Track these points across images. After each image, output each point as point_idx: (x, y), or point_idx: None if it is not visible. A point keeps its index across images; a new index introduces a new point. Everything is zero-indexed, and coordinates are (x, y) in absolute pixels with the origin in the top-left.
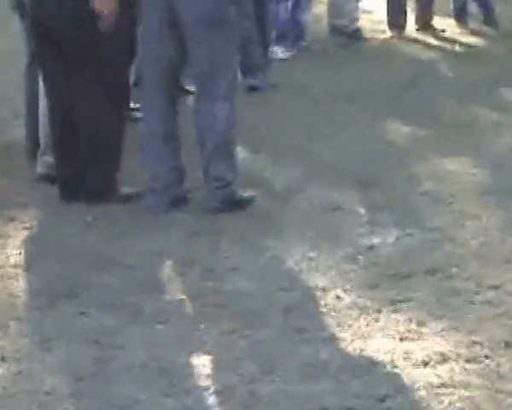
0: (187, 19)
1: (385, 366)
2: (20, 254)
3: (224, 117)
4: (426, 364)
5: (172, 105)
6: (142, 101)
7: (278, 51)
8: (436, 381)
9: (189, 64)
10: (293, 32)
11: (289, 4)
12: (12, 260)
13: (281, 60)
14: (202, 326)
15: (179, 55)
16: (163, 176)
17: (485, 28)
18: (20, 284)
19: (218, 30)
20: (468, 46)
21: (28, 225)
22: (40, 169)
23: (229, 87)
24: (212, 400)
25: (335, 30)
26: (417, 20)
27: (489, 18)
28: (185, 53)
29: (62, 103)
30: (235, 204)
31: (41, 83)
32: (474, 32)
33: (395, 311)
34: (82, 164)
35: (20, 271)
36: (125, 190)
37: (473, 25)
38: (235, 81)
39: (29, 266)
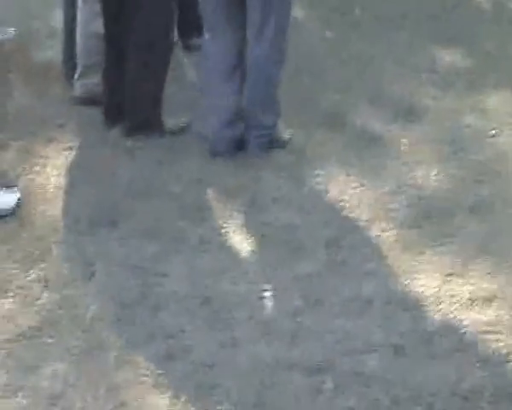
0: None
1: (430, 304)
2: (60, 175)
3: (273, 60)
4: (472, 303)
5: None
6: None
7: None
8: (483, 321)
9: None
10: None
11: None
12: (52, 182)
13: None
14: (245, 256)
15: None
16: (223, 112)
17: None
18: (61, 208)
19: None
20: None
21: (68, 146)
22: (79, 91)
23: (279, 31)
24: (257, 331)
25: None
26: None
27: None
28: None
29: (116, 32)
30: (278, 145)
31: (80, 5)
32: None
33: (439, 248)
34: (128, 93)
35: (60, 193)
36: (170, 122)
37: None
38: (285, 26)
39: (70, 189)
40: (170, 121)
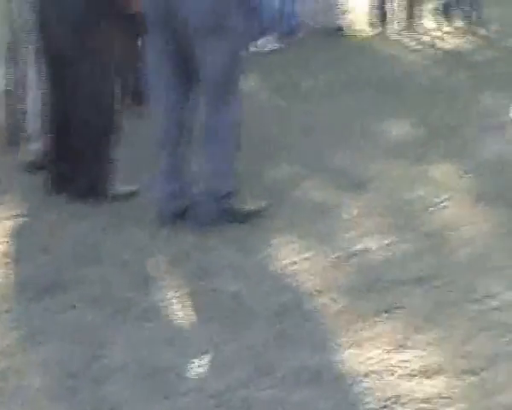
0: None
1: (380, 375)
2: (5, 243)
3: (228, 125)
4: (421, 374)
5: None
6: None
7: (267, 42)
8: (433, 392)
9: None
10: (285, 25)
11: None
12: None
13: (269, 51)
14: (192, 325)
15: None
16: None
17: (470, 29)
18: (7, 275)
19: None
20: (451, 48)
21: (14, 213)
22: (25, 156)
23: (234, 95)
24: (206, 403)
25: (311, 26)
26: (400, 21)
27: (474, 19)
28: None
29: (61, 98)
30: (235, 216)
31: (30, 73)
32: (457, 34)
33: (388, 318)
34: (76, 161)
35: (7, 260)
36: (118, 188)
37: (457, 26)
38: (238, 90)
39: (16, 255)
40: (118, 187)
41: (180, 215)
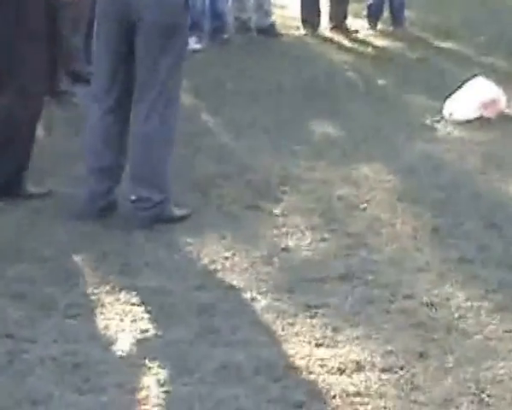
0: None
1: (301, 372)
2: None
3: (167, 130)
4: (341, 371)
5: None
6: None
7: (191, 42)
8: (351, 389)
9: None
10: (212, 24)
11: None
12: None
13: (194, 51)
14: (115, 323)
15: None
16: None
17: (393, 30)
18: None
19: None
20: (379, 48)
21: None
22: None
23: (176, 100)
24: (126, 398)
25: (243, 24)
26: (331, 20)
27: (396, 20)
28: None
29: None
30: (166, 221)
31: None
32: (384, 35)
33: (311, 316)
34: None
35: None
36: (32, 188)
37: (382, 27)
38: (179, 95)
39: None
40: (32, 187)
41: (105, 213)
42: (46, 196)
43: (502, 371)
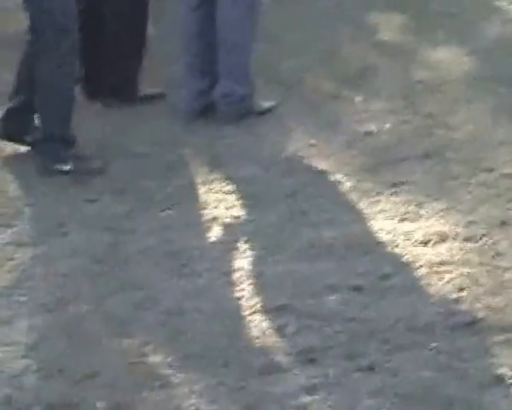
0: None
1: (387, 246)
2: None
3: (241, 25)
4: (425, 243)
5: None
6: None
7: None
8: (436, 259)
9: None
10: None
11: None
12: None
13: None
14: (209, 211)
15: None
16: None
17: None
18: (30, 167)
19: None
20: None
21: None
22: None
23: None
24: (222, 280)
25: None
26: None
27: None
28: None
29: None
30: (252, 115)
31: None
32: None
33: (394, 193)
34: (105, 63)
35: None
36: (148, 90)
37: None
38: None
39: None
40: (146, 89)
41: (203, 112)
42: (160, 98)
43: None
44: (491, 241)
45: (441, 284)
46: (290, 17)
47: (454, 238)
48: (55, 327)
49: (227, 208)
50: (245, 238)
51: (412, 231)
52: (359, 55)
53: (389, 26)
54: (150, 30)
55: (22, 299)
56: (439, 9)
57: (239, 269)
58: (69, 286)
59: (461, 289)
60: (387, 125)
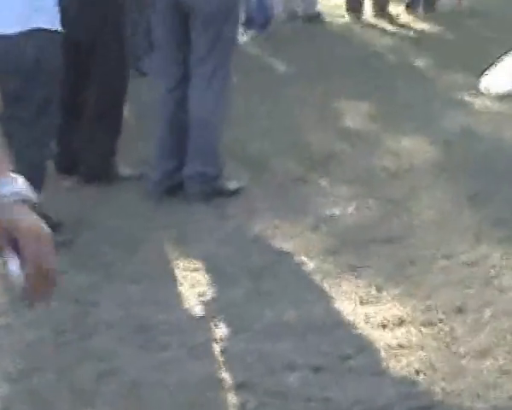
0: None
1: (347, 327)
2: None
3: (214, 105)
4: (384, 326)
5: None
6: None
7: (245, 35)
8: (394, 342)
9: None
10: (260, 17)
11: None
12: None
13: (246, 42)
14: (175, 287)
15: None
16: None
17: (428, 15)
18: None
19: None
20: (419, 31)
21: None
22: None
23: (223, 80)
24: (187, 355)
25: (291, 13)
26: (374, 6)
27: (429, 6)
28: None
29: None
30: (221, 194)
31: None
32: (425, 19)
33: (355, 276)
34: (82, 142)
35: None
36: (124, 171)
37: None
38: (228, 77)
39: None
40: (125, 170)
41: (173, 190)
42: (139, 179)
43: None
44: (447, 327)
45: (399, 367)
46: (260, 103)
47: (412, 323)
48: (19, 397)
49: (192, 285)
50: (210, 315)
51: (372, 313)
52: (325, 141)
53: (355, 114)
54: (126, 110)
55: None
56: (403, 99)
57: (203, 345)
58: (33, 356)
59: (418, 373)
60: (351, 210)
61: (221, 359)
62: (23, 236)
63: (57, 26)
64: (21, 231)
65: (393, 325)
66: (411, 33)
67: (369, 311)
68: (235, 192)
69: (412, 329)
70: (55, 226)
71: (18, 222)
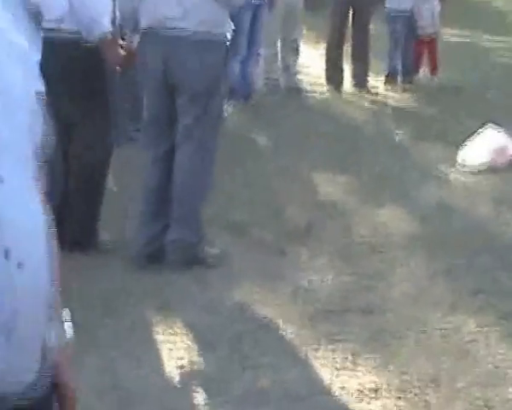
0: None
1: (323, 395)
2: None
3: (199, 173)
4: (360, 394)
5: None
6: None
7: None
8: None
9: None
10: (243, 88)
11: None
12: None
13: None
14: (153, 353)
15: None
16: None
17: (406, 86)
18: None
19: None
20: (398, 104)
21: None
22: None
23: (209, 151)
24: None
25: (271, 84)
26: (353, 77)
27: (407, 78)
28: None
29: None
30: (202, 262)
31: None
32: (402, 91)
33: (332, 344)
34: (64, 212)
35: None
36: (106, 236)
37: (401, 85)
38: (214, 149)
39: None
40: (105, 235)
41: (154, 257)
42: (122, 245)
43: (511, 396)
44: (422, 396)
45: None
46: (242, 174)
47: (387, 392)
48: None
49: (171, 350)
50: (188, 381)
51: (348, 382)
52: (304, 212)
53: (333, 186)
54: (110, 181)
55: None
56: (381, 171)
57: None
58: None
59: None
60: (328, 280)
61: None
62: (59, 390)
63: None
64: (59, 386)
65: (369, 393)
66: (390, 106)
67: (345, 379)
68: (216, 260)
69: (388, 398)
70: None
71: (60, 374)
